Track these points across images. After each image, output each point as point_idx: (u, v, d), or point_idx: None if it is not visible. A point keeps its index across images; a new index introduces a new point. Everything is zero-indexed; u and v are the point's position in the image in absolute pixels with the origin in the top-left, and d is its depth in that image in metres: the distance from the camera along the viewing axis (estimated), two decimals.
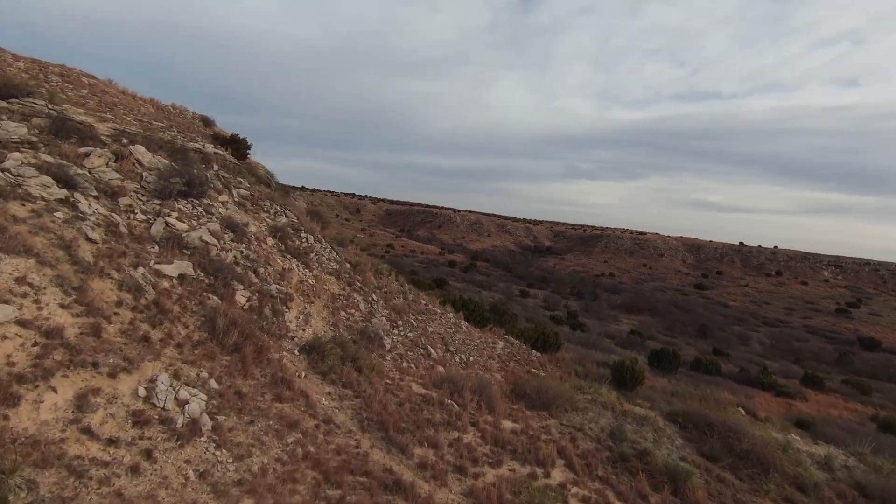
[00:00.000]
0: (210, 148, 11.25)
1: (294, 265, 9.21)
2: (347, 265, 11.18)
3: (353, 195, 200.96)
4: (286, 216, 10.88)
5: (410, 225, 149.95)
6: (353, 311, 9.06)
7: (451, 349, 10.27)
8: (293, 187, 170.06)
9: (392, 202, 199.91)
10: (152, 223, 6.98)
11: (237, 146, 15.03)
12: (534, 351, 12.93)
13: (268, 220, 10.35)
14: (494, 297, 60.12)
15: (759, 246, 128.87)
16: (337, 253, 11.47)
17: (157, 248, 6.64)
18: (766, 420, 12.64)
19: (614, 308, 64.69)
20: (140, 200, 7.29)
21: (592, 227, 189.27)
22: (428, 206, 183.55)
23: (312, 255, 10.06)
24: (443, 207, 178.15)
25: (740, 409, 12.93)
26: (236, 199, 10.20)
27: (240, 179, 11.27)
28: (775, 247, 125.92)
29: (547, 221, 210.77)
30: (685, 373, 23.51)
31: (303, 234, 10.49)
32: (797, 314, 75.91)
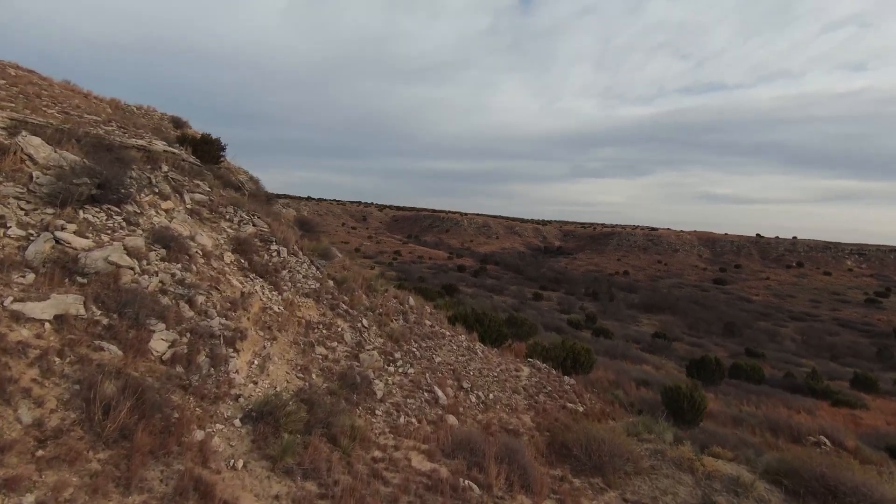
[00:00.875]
0: (160, 146, 9.19)
1: (258, 287, 7.09)
2: (330, 283, 8.97)
3: (359, 203, 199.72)
4: (254, 224, 8.76)
5: (418, 230, 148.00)
6: (334, 344, 6.90)
7: (465, 385, 8.04)
8: (294, 197, 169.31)
9: (398, 208, 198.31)
10: (32, 240, 4.88)
11: (208, 147, 12.99)
12: (566, 377, 10.67)
13: (229, 229, 8.24)
14: (507, 301, 57.74)
15: (777, 237, 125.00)
16: (318, 268, 9.27)
17: (31, 276, 4.54)
18: (857, 451, 10.23)
19: (632, 308, 61.96)
20: (21, 210, 5.19)
21: (602, 225, 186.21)
22: (434, 210, 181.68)
23: (285, 272, 7.92)
24: (449, 211, 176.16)
25: (823, 437, 10.54)
26: (189, 206, 8.11)
27: (197, 182, 9.19)
28: (794, 237, 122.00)
29: (555, 221, 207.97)
30: (725, 381, 21.02)
31: (273, 247, 8.35)
32: (825, 306, 72.47)
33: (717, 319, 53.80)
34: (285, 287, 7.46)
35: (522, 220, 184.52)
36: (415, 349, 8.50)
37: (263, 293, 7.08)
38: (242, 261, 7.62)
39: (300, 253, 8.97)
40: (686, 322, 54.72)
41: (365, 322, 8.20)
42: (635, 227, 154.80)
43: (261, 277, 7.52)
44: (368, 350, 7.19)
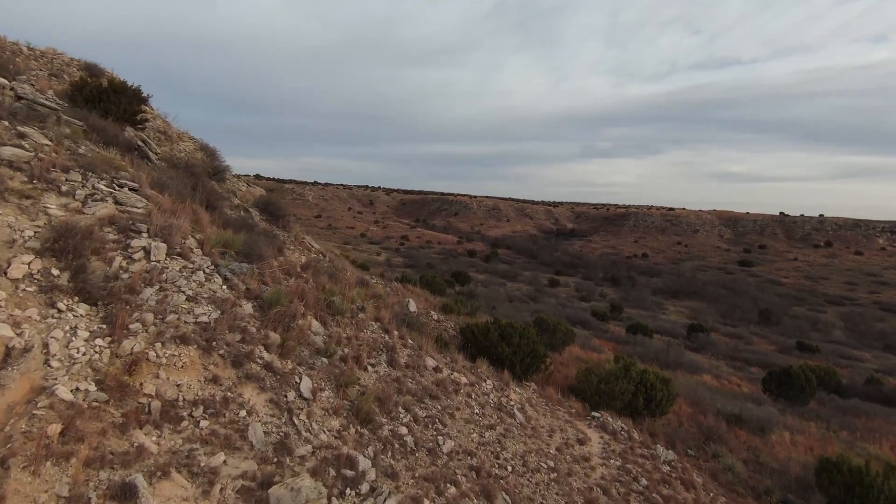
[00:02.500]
0: None
1: (60, 333, 3.32)
2: (246, 307, 4.95)
3: (367, 187, 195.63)
4: (118, 202, 4.91)
5: (426, 214, 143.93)
6: (217, 458, 3.13)
7: None
8: (300, 182, 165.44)
9: (406, 192, 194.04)
10: None
11: (117, 99, 9.12)
12: (660, 449, 6.82)
13: (57, 210, 4.43)
14: (521, 289, 53.89)
15: (802, 215, 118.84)
16: (227, 279, 5.23)
17: None
18: None
19: (656, 294, 57.77)
20: None
21: (615, 205, 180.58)
22: (443, 193, 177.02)
23: (149, 290, 4.10)
24: (458, 195, 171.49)
25: None
26: None
27: (24, 131, 5.32)
28: (821, 215, 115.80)
29: (567, 203, 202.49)
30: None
31: (139, 242, 4.50)
32: (862, 289, 67.55)
33: (751, 306, 49.45)
34: (135, 324, 3.67)
35: (533, 203, 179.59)
36: (404, 430, 4.70)
37: (69, 346, 3.30)
38: (56, 272, 3.80)
39: (196, 252, 5.09)
40: (717, 309, 50.48)
41: (306, 384, 4.38)
42: (650, 208, 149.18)
43: (87, 304, 3.72)
44: (298, 461, 3.36)
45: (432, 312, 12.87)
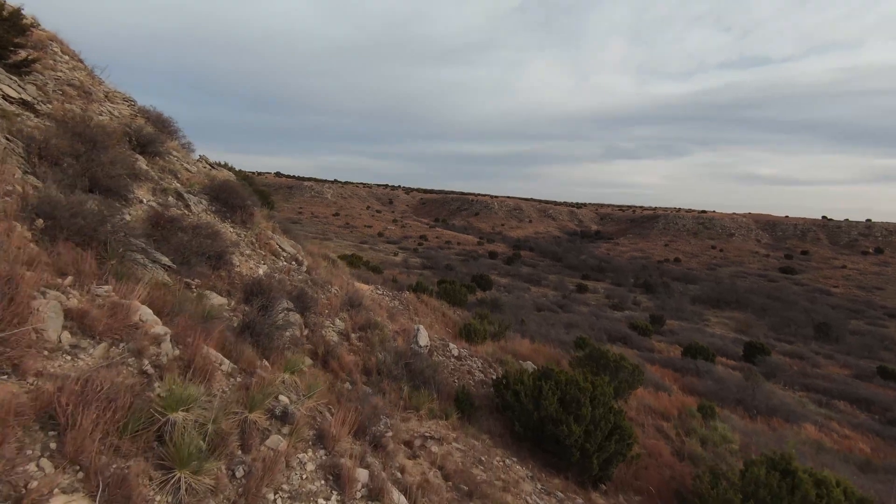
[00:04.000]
0: None
1: None
2: None
3: (386, 186, 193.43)
4: None
5: (446, 213, 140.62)
6: None
7: None
8: (319, 180, 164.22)
9: (426, 191, 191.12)
10: None
11: None
12: None
13: None
14: (547, 294, 49.95)
15: (847, 220, 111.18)
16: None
17: None
18: None
19: (694, 302, 53.04)
20: None
21: (641, 207, 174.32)
22: (463, 193, 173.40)
23: None
24: (479, 194, 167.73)
25: None
26: None
27: None
28: (868, 220, 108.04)
29: (591, 204, 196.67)
30: None
31: None
32: None
33: (804, 319, 44.46)
34: None
35: (556, 203, 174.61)
36: None
37: None
38: None
39: None
40: (766, 322, 45.62)
41: None
42: (678, 210, 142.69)
43: None
44: None
45: (451, 345, 9.34)
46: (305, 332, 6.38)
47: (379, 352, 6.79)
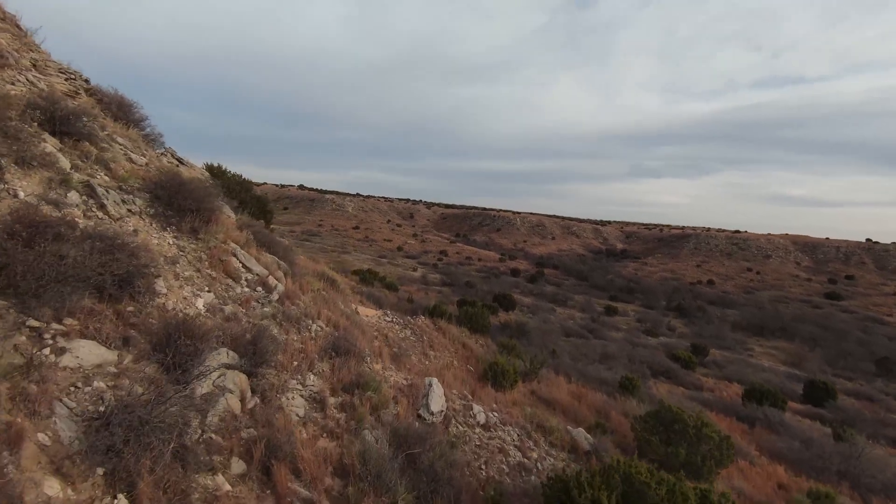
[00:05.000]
0: None
1: None
2: None
3: (408, 200, 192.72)
4: None
5: (466, 229, 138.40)
6: None
7: None
8: (342, 193, 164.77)
9: (447, 206, 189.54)
10: None
11: None
12: None
13: None
14: (574, 316, 46.78)
15: (894, 242, 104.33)
16: None
17: None
18: None
19: (735, 329, 49.01)
20: None
21: (668, 226, 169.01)
22: (485, 208, 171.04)
23: None
24: (501, 210, 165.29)
25: None
26: None
27: None
28: None
29: (616, 221, 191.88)
30: None
31: None
32: None
33: (861, 351, 40.18)
34: None
35: (579, 220, 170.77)
36: None
37: None
38: None
39: None
40: (816, 352, 41.43)
41: None
42: (708, 229, 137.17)
43: None
44: None
45: (475, 407, 6.79)
46: (251, 403, 4.06)
47: (368, 431, 4.42)
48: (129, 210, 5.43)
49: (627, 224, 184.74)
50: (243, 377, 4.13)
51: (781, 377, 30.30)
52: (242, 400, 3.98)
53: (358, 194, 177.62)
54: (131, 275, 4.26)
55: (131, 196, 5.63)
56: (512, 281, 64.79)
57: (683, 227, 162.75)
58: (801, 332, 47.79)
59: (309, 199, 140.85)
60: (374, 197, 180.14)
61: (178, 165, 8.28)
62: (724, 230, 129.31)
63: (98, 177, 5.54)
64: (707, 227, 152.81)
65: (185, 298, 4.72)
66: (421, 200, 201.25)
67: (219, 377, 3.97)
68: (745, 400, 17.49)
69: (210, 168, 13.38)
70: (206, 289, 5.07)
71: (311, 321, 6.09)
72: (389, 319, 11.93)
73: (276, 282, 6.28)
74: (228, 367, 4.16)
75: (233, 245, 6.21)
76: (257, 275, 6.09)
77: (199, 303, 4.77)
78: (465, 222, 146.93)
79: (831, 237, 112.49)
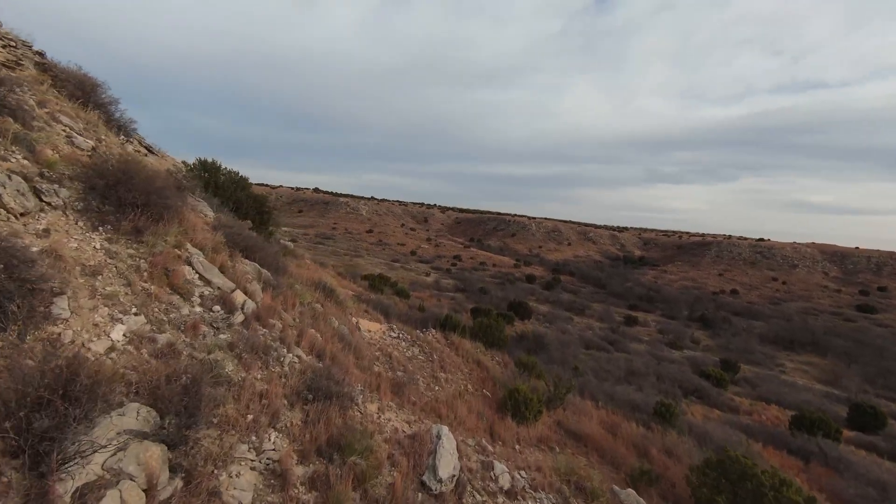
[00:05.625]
0: None
1: None
2: None
3: (422, 204, 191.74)
4: None
5: (481, 234, 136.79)
6: None
7: None
8: (356, 197, 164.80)
9: (461, 210, 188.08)
10: None
11: None
12: None
13: None
14: (593, 326, 44.84)
15: None
16: None
17: None
18: None
19: (762, 342, 46.51)
20: None
21: (688, 233, 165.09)
22: (499, 213, 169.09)
23: None
24: (516, 215, 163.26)
25: None
26: None
27: None
28: None
29: (633, 228, 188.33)
30: None
31: None
32: None
33: None
34: None
35: (596, 226, 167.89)
36: None
37: None
38: None
39: None
40: (852, 369, 38.86)
41: None
42: (728, 237, 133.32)
43: None
44: None
45: (493, 461, 5.26)
46: (167, 491, 2.69)
47: None
48: (49, 203, 4.14)
49: (645, 230, 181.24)
50: (157, 451, 2.76)
51: (819, 397, 28.11)
52: (150, 488, 2.62)
53: (372, 198, 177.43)
54: (8, 293, 2.92)
55: (54, 186, 4.33)
56: (527, 287, 62.98)
57: (704, 235, 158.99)
58: (835, 346, 45.11)
59: (323, 202, 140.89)
60: (388, 200, 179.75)
61: (146, 154, 7.04)
62: (746, 238, 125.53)
63: (12, 160, 4.26)
64: (727, 234, 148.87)
65: (95, 325, 3.38)
66: (435, 204, 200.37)
67: (113, 455, 2.59)
68: (794, 428, 15.65)
69: (203, 163, 12.19)
70: (134, 310, 3.74)
71: (285, 350, 4.72)
72: (395, 335, 10.54)
73: (244, 298, 4.92)
74: (136, 434, 2.78)
75: (190, 250, 4.89)
76: (218, 288, 4.75)
77: (117, 331, 3.44)
78: (479, 227, 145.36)
79: (861, 246, 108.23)
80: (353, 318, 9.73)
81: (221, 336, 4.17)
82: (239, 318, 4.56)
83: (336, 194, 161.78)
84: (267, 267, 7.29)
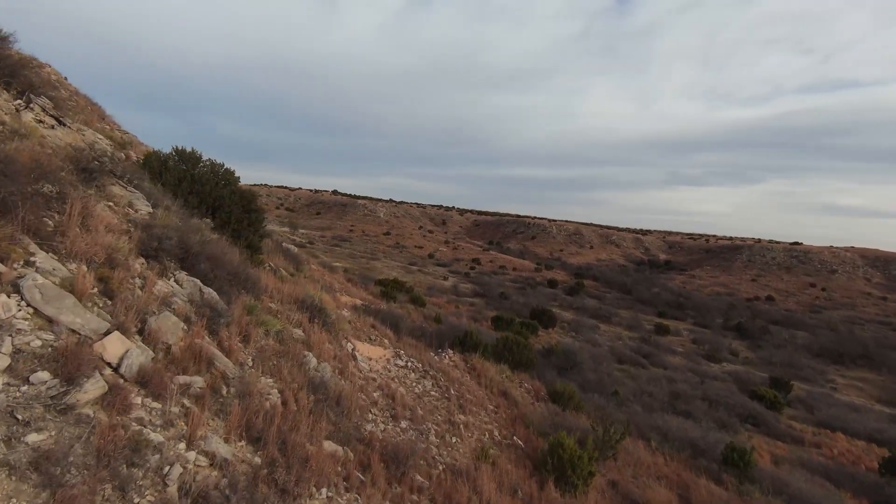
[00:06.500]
0: None
1: None
2: None
3: (440, 206, 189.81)
4: None
5: (500, 236, 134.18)
6: None
7: None
8: (374, 199, 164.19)
9: (480, 213, 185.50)
10: None
11: None
12: None
13: None
14: (622, 336, 42.04)
15: None
16: None
17: None
18: None
19: (812, 356, 42.89)
20: None
21: (715, 236, 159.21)
22: (519, 215, 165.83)
23: None
24: (536, 217, 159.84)
25: None
26: None
27: None
28: None
29: (657, 231, 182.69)
30: None
31: None
32: None
33: None
34: None
35: (618, 229, 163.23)
36: None
37: None
38: None
39: None
40: None
41: None
42: (758, 240, 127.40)
43: None
44: None
45: None
46: None
47: None
48: None
49: (670, 233, 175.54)
50: None
51: (885, 422, 24.93)
52: None
53: (391, 200, 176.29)
54: None
55: None
56: (549, 293, 60.30)
57: (732, 238, 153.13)
58: (890, 360, 41.28)
59: (341, 203, 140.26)
60: (406, 202, 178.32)
61: (52, 127, 5.11)
62: (777, 241, 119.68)
63: None
64: (755, 237, 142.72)
65: None
66: (454, 207, 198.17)
67: None
68: (885, 472, 12.94)
69: (180, 152, 10.31)
70: None
71: (181, 445, 2.62)
72: (403, 363, 8.42)
73: (124, 347, 2.84)
74: None
75: (18, 271, 2.81)
76: (72, 332, 2.70)
77: None
78: (498, 229, 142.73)
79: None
80: (349, 344, 7.64)
81: (18, 448, 2.07)
82: (91, 391, 2.48)
83: (354, 196, 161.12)
84: (222, 282, 5.26)
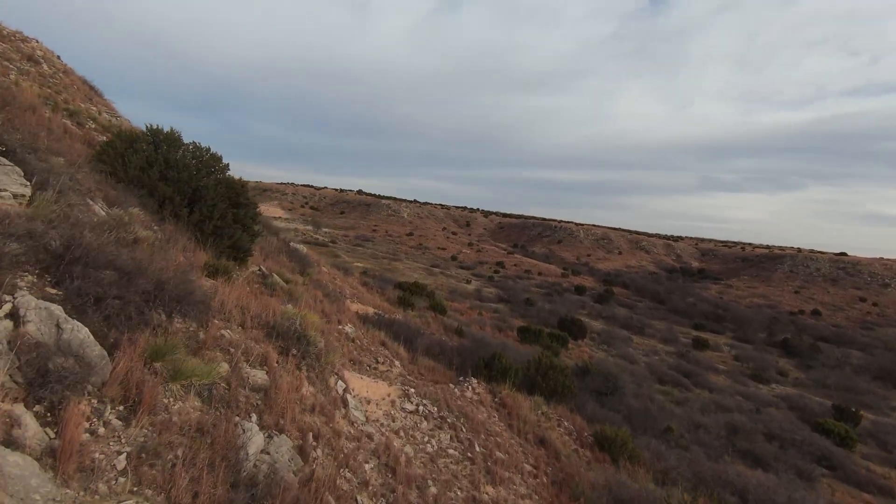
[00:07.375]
0: None
1: None
2: None
3: (465, 208, 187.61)
4: None
5: (525, 240, 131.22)
6: None
7: None
8: (399, 199, 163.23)
9: (505, 215, 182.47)
10: None
11: None
12: None
13: None
14: (657, 349, 39.12)
15: None
16: None
17: None
18: None
19: (863, 376, 38.97)
20: None
21: (752, 244, 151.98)
22: (544, 219, 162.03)
23: None
24: (562, 221, 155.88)
25: None
26: None
27: None
28: None
29: (689, 237, 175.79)
30: None
31: None
32: None
33: None
34: None
35: (648, 235, 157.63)
36: None
37: None
38: None
39: None
40: None
41: None
42: (800, 250, 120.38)
43: None
44: None
45: None
46: None
47: None
48: None
49: (702, 240, 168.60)
50: None
51: None
52: None
53: (415, 201, 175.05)
54: None
55: None
56: (577, 300, 57.46)
57: (770, 247, 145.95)
58: None
59: (365, 203, 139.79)
60: (430, 203, 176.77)
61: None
62: (820, 251, 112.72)
63: None
64: (795, 246, 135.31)
65: None
66: (478, 209, 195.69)
67: None
68: None
69: (154, 131, 8.58)
70: None
71: None
72: (413, 407, 6.42)
73: None
74: None
75: None
76: None
77: None
78: (523, 232, 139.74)
79: None
80: (340, 384, 5.68)
81: None
82: None
83: (378, 196, 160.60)
84: (129, 305, 3.36)
